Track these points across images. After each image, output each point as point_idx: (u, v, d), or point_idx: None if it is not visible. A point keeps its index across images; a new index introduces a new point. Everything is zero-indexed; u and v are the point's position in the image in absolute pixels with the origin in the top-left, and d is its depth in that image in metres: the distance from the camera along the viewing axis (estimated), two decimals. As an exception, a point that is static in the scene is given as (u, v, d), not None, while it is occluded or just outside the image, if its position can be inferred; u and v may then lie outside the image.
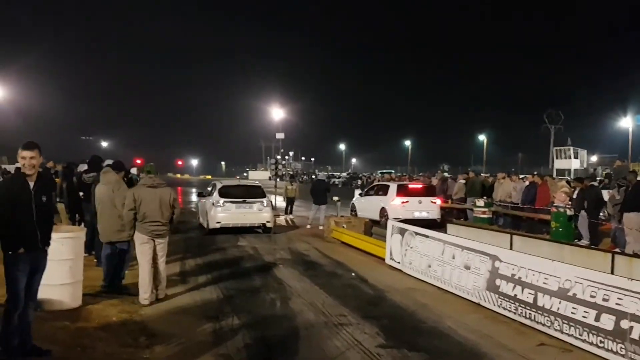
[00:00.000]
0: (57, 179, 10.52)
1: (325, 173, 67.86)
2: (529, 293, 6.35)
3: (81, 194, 9.63)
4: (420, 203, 16.67)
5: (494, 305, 6.96)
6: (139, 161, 24.81)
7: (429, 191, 17.92)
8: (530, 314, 6.31)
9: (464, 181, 18.93)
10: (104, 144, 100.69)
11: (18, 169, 4.65)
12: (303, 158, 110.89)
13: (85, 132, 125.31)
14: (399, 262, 9.70)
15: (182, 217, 18.36)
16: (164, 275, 7.29)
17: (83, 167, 10.07)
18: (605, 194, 13.48)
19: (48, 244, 4.77)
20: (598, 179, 22.58)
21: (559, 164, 53.94)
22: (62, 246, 6.08)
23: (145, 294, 6.97)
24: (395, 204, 16.55)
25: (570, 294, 5.76)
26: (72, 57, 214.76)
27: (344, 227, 13.25)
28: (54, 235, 5.75)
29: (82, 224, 9.66)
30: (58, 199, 10.12)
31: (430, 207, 16.76)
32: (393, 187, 17.37)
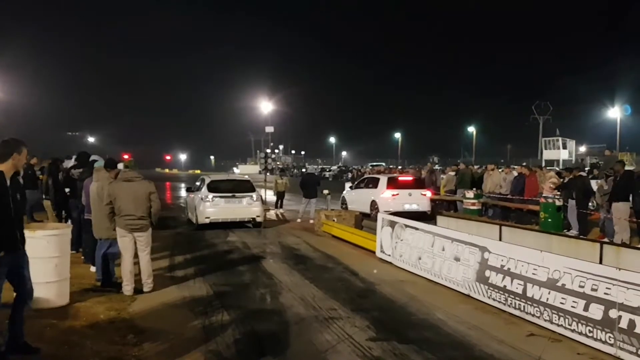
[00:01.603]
0: (42, 176, 10.37)
1: (316, 167, 67.87)
2: (518, 284, 6.38)
3: (67, 190, 9.52)
4: (410, 195, 16.72)
5: (484, 296, 6.99)
6: (126, 156, 24.61)
7: (418, 183, 17.97)
8: (519, 304, 6.34)
9: (453, 173, 18.99)
10: (91, 139, 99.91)
11: None
12: (293, 151, 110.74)
13: (71, 128, 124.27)
14: (389, 255, 9.70)
15: (171, 212, 18.36)
16: (148, 269, 7.37)
17: (69, 162, 9.94)
18: (594, 184, 13.58)
19: (24, 243, 4.67)
20: (586, 169, 22.73)
21: (547, 154, 54.38)
22: (48, 244, 6.01)
23: (127, 285, 7.18)
24: (386, 196, 16.58)
25: (559, 284, 5.79)
26: (58, 52, 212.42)
27: (334, 220, 13.22)
28: (40, 233, 5.68)
29: (69, 221, 9.56)
30: (44, 196, 10.02)
31: (420, 200, 16.81)
32: (383, 180, 17.39)
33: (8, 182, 4.41)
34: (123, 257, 7.28)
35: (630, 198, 11.22)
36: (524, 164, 21.01)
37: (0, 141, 4.54)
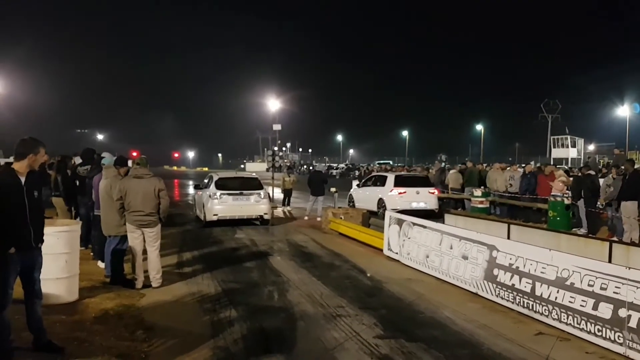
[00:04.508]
0: (51, 172, 10.43)
1: (324, 164, 67.87)
2: (527, 282, 6.35)
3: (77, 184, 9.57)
4: (417, 194, 16.68)
5: (492, 294, 6.97)
6: (134, 154, 24.76)
7: (426, 182, 17.92)
8: (528, 303, 6.31)
9: (455, 171, 18.98)
10: (100, 136, 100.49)
11: (8, 163, 4.54)
12: (300, 149, 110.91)
13: (80, 125, 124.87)
14: (396, 253, 9.69)
15: (179, 209, 18.44)
16: (157, 264, 7.48)
17: (78, 160, 10.01)
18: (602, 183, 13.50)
19: (42, 242, 4.69)
20: (600, 167, 22.51)
21: (556, 153, 54.08)
22: (57, 240, 6.05)
23: (136, 280, 7.36)
24: (393, 194, 16.55)
25: (568, 283, 5.76)
26: (67, 49, 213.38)
27: (341, 218, 13.22)
28: (49, 230, 5.71)
29: (78, 217, 9.61)
30: (53, 192, 10.09)
31: (427, 198, 16.78)
32: (391, 178, 17.37)
33: (23, 180, 4.45)
34: (132, 253, 7.39)
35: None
36: (532, 162, 20.91)
37: (19, 140, 4.58)
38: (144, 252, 7.45)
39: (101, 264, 8.15)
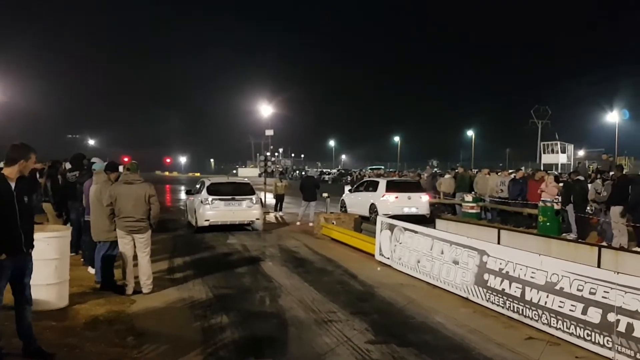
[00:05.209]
0: (41, 179, 10.38)
1: (316, 170, 67.91)
2: (517, 287, 6.39)
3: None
4: (409, 199, 16.75)
5: (483, 299, 7.00)
6: (126, 159, 24.65)
7: (418, 187, 18.01)
8: (518, 308, 6.35)
9: (448, 176, 19.09)
10: (91, 142, 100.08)
11: None
12: (293, 154, 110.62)
13: (71, 131, 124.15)
14: (388, 258, 9.71)
15: (171, 215, 18.37)
16: (147, 270, 7.45)
17: (68, 165, 9.97)
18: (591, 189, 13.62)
19: (32, 247, 4.67)
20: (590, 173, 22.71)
21: (546, 158, 54.32)
22: (47, 246, 6.01)
23: (127, 286, 7.30)
24: (385, 199, 16.62)
25: (557, 287, 5.80)
26: (58, 54, 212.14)
27: (333, 223, 13.25)
28: (39, 235, 5.69)
29: (69, 223, 9.56)
30: (42, 198, 10.03)
31: (419, 203, 16.85)
32: (382, 183, 17.44)
33: (13, 185, 4.44)
34: (123, 259, 7.35)
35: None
36: (522, 168, 21.08)
37: (10, 145, 4.59)
38: (135, 257, 7.42)
39: (91, 270, 8.11)
